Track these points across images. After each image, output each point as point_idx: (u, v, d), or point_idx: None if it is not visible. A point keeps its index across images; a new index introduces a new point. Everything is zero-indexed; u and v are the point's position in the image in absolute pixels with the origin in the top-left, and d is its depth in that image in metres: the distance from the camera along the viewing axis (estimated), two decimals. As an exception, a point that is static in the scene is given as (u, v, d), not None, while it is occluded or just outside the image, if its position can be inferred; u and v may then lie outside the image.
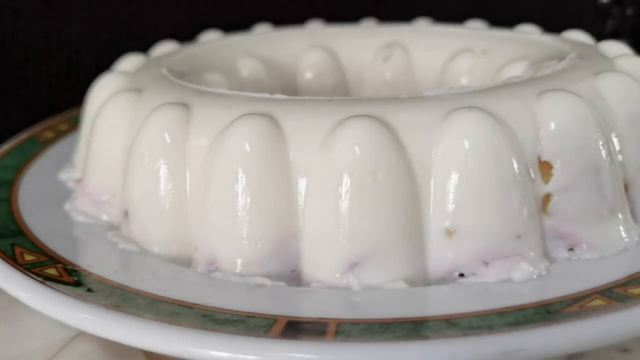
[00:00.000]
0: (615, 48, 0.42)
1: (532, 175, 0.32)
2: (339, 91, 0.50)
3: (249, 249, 0.31)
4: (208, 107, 0.34)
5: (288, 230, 0.31)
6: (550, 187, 0.32)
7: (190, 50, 0.47)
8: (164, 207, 0.33)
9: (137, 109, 0.35)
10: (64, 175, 0.41)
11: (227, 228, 0.31)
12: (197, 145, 0.33)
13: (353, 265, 0.30)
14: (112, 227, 0.36)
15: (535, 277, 0.30)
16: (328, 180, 0.30)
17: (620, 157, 0.34)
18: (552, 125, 0.32)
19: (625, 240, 0.32)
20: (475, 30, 0.50)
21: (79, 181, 0.38)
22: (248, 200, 0.31)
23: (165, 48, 0.47)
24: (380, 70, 0.51)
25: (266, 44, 0.50)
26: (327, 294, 0.29)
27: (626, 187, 0.35)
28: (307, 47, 0.51)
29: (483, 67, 0.47)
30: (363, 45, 0.51)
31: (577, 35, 0.47)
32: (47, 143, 0.45)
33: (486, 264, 0.30)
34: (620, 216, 0.33)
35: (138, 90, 0.37)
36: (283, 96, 0.34)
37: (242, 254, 0.31)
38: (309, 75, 0.50)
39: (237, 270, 0.31)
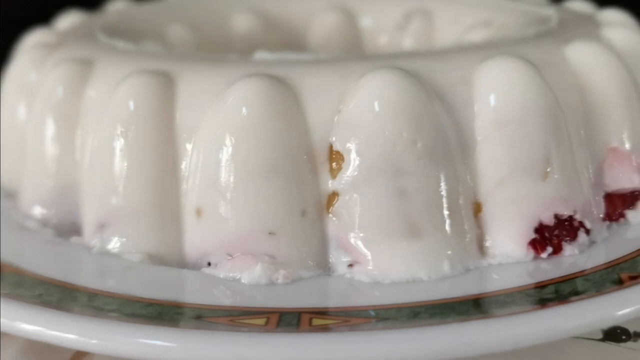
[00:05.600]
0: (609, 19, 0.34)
1: (316, 166, 0.28)
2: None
3: (33, 193, 0.33)
4: (64, 49, 0.35)
5: (68, 180, 0.32)
6: (337, 183, 0.27)
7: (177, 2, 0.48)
8: (6, 143, 0.36)
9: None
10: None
11: (26, 169, 0.33)
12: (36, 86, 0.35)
13: (101, 227, 0.30)
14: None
15: (263, 283, 0.26)
16: (99, 133, 0.30)
17: (470, 166, 0.28)
18: (351, 109, 0.27)
19: (423, 269, 0.26)
20: (503, 1, 0.43)
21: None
22: (39, 143, 0.32)
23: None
24: (398, 38, 0.47)
25: (277, 1, 0.49)
26: (58, 249, 0.30)
27: (478, 207, 0.28)
28: (323, 8, 0.48)
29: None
30: (386, 10, 0.48)
31: (612, 14, 0.38)
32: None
33: (230, 256, 0.28)
34: (427, 238, 0.27)
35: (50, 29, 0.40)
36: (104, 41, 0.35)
37: (30, 197, 0.33)
38: (319, 37, 0.48)
39: (28, 211, 0.33)
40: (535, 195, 0.28)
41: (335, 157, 0.28)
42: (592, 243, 0.28)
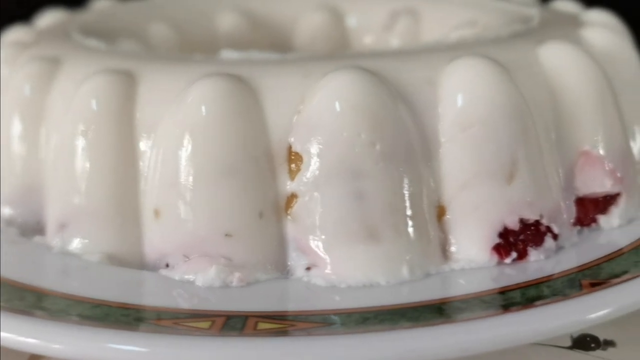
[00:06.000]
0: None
1: (274, 167, 0.27)
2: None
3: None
4: (36, 48, 0.35)
5: (34, 179, 0.31)
6: (296, 185, 0.27)
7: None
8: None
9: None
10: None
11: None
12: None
13: (62, 227, 0.29)
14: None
15: (217, 285, 0.26)
16: (62, 132, 0.30)
17: (434, 168, 0.27)
18: (311, 109, 0.27)
19: (381, 273, 0.26)
20: (489, 1, 0.43)
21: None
22: (6, 142, 0.32)
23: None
24: (385, 38, 0.46)
25: (264, 0, 0.48)
26: (19, 248, 0.30)
27: (442, 210, 0.28)
28: (310, 8, 0.48)
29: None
30: (373, 10, 0.47)
31: (596, 15, 0.37)
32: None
33: (187, 257, 0.27)
34: (386, 242, 0.26)
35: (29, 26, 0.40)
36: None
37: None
38: (305, 37, 0.48)
39: (-4, 211, 0.33)
40: (500, 198, 0.27)
41: (294, 159, 0.27)
42: (560, 248, 0.28)
